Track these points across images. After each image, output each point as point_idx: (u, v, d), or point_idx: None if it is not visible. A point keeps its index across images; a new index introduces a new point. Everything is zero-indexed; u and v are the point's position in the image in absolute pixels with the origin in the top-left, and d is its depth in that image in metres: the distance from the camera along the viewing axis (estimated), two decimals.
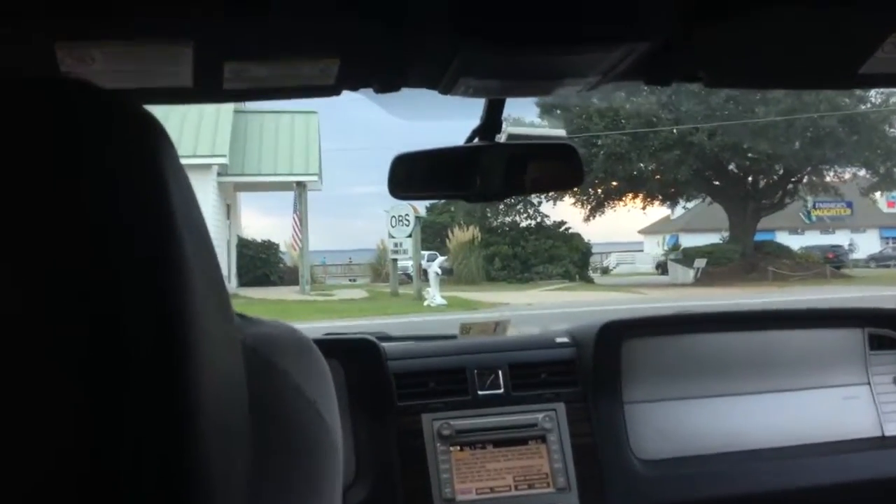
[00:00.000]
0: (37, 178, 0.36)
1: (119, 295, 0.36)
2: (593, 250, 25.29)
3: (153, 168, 0.39)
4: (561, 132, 16.59)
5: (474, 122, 1.42)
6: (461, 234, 21.86)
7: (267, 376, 0.50)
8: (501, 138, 1.47)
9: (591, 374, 1.85)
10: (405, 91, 1.16)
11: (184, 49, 0.95)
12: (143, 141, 0.40)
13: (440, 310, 14.60)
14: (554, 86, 1.14)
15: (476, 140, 1.44)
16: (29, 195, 0.36)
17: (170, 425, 0.37)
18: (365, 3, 0.89)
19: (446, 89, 1.12)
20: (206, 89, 1.10)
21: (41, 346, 0.35)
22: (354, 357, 1.77)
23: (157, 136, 0.41)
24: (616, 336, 1.89)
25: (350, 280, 21.69)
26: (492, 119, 1.41)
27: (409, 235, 17.58)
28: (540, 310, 13.52)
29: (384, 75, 1.10)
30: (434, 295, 15.75)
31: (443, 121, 1.49)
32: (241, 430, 0.45)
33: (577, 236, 24.06)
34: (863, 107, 22.10)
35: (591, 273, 24.20)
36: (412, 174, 1.48)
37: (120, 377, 0.36)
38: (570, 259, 23.03)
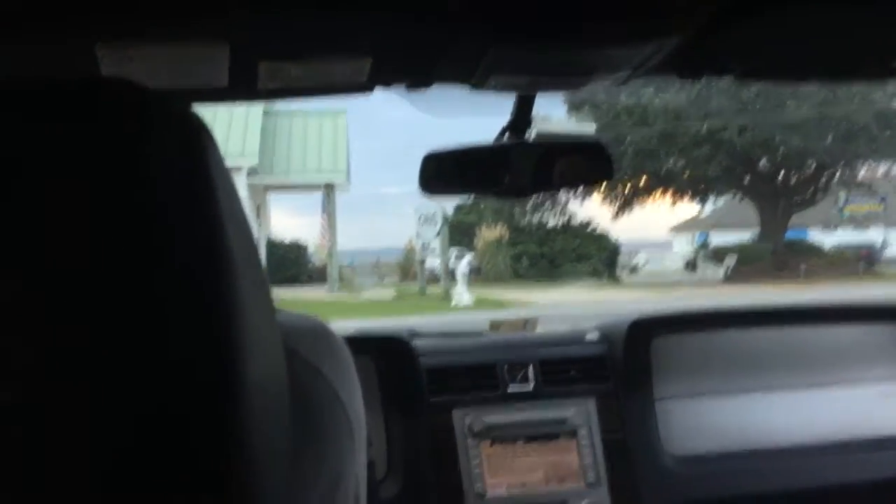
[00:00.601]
0: (85, 177, 0.37)
1: (166, 291, 0.37)
2: (622, 249, 25.05)
3: (200, 165, 0.40)
4: (591, 127, 16.47)
5: (504, 119, 1.43)
6: (488, 233, 21.76)
7: (290, 364, 0.51)
8: (531, 135, 1.48)
9: (622, 371, 1.85)
10: (436, 88, 1.17)
11: (220, 49, 0.97)
12: (189, 139, 0.41)
13: (468, 309, 14.53)
14: (585, 81, 1.14)
15: (506, 137, 1.45)
16: (76, 195, 0.36)
17: (217, 419, 0.38)
18: (396, 1, 0.90)
19: (477, 86, 1.13)
20: (241, 89, 1.12)
21: (87, 342, 0.35)
22: (385, 354, 1.78)
23: (202, 134, 0.41)
24: (646, 333, 1.88)
25: (378, 279, 21.70)
26: (522, 116, 1.41)
27: (438, 235, 17.57)
28: (569, 309, 13.44)
29: (415, 72, 1.12)
30: (462, 293, 15.69)
31: (473, 117, 1.50)
32: (283, 420, 0.45)
33: (606, 235, 23.88)
34: None
35: (619, 272, 23.99)
36: (442, 171, 1.49)
37: (166, 372, 0.36)
38: (598, 258, 22.86)
